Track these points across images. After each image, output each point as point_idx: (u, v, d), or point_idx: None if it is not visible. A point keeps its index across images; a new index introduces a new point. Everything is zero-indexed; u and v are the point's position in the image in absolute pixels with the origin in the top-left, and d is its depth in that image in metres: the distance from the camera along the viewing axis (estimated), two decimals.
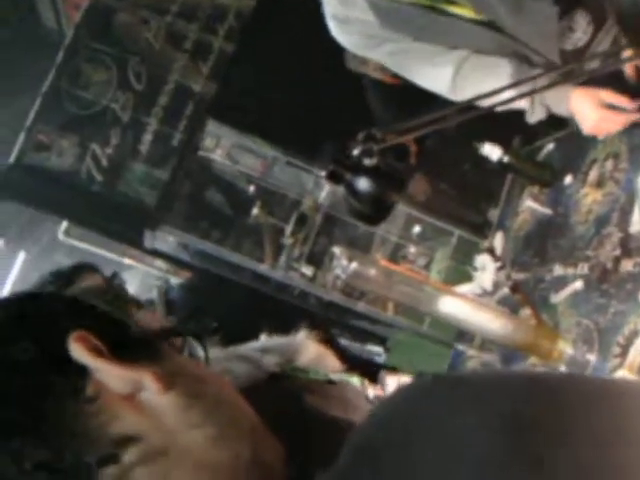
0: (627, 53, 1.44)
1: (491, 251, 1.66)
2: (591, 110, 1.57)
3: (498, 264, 1.62)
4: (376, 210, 1.23)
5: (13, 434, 0.51)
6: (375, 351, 4.03)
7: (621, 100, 1.55)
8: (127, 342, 0.57)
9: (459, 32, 1.65)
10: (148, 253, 3.94)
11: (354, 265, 1.30)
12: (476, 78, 1.66)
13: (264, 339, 1.43)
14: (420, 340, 2.40)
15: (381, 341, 3.94)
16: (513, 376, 0.52)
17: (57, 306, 0.60)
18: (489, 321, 1.46)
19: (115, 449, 0.52)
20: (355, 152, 1.13)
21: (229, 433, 0.56)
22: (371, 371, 1.36)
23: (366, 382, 1.24)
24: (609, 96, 1.55)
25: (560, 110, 1.65)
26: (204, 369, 0.64)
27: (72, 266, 1.82)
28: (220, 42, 3.73)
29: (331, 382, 1.18)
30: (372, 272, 1.38)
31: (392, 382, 1.31)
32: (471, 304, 1.51)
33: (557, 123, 2.07)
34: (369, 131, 1.12)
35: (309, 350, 1.34)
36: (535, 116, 1.68)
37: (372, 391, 1.29)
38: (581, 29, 1.61)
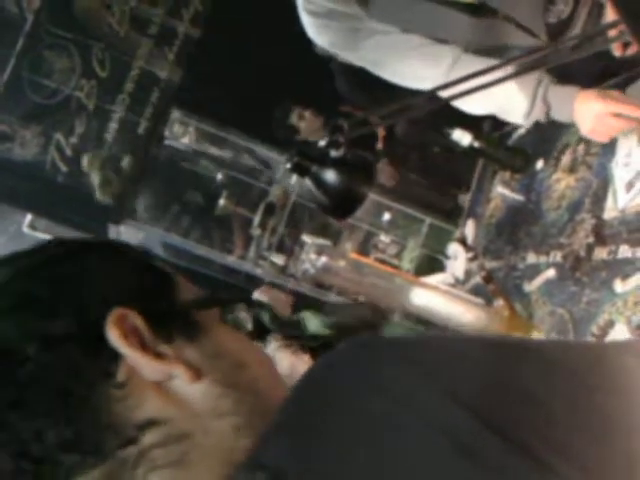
0: (612, 33, 1.40)
1: (463, 241, 1.62)
2: (592, 115, 1.48)
3: (470, 254, 1.58)
4: (344, 203, 1.19)
5: (38, 413, 0.50)
6: None
7: (626, 107, 1.45)
8: (168, 316, 0.56)
9: (450, 22, 1.60)
10: None
11: (323, 259, 1.25)
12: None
13: None
14: (392, 330, 2.37)
15: None
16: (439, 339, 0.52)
17: (104, 269, 0.58)
18: (461, 313, 1.42)
19: (137, 432, 0.51)
20: (321, 144, 1.08)
21: (256, 423, 0.54)
22: None
23: None
24: (614, 102, 1.46)
25: (562, 114, 1.56)
26: (246, 344, 0.62)
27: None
28: (185, 27, 3.65)
29: None
30: (341, 266, 1.33)
31: None
32: (442, 296, 1.47)
33: None
34: (335, 122, 1.07)
35: (282, 364, 1.30)
36: (533, 116, 1.58)
37: None
38: (562, 1, 1.57)
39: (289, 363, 1.30)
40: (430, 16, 1.63)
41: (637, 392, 0.48)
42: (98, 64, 3.56)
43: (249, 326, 1.56)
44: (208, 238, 2.97)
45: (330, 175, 1.12)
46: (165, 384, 0.54)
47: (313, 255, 1.26)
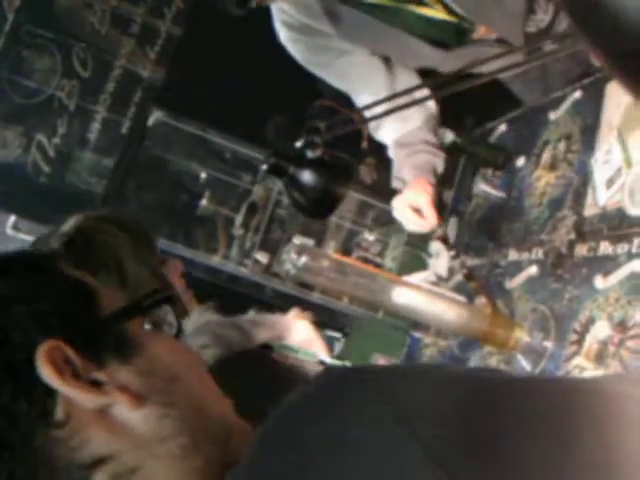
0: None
1: (444, 239, 1.63)
2: (399, 208, 1.67)
3: (452, 252, 1.59)
4: (321, 204, 1.19)
5: None
6: (334, 336, 4.00)
7: (427, 210, 1.63)
8: (95, 338, 0.54)
9: (421, 53, 1.61)
10: None
11: (303, 259, 1.25)
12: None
13: (252, 314, 1.39)
14: (377, 327, 2.37)
15: (340, 327, 3.92)
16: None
17: (21, 297, 0.54)
18: (443, 311, 1.42)
19: (86, 474, 0.49)
20: (298, 144, 1.08)
21: (201, 439, 0.54)
22: None
23: None
24: (419, 199, 1.64)
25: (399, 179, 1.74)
26: (176, 348, 0.60)
27: None
28: (167, 26, 3.63)
29: (323, 363, 1.14)
30: (323, 265, 1.33)
31: None
32: (425, 294, 1.47)
33: (508, 104, 2.04)
34: (312, 123, 1.06)
35: (300, 330, 1.31)
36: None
37: None
38: (542, 9, 1.57)
39: (307, 332, 1.31)
40: (401, 45, 1.63)
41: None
42: (80, 64, 3.54)
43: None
44: (192, 239, 2.96)
45: (307, 176, 1.12)
46: (106, 412, 0.51)
47: (294, 255, 1.25)
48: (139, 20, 3.63)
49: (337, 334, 3.96)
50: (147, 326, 0.57)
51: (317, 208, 1.20)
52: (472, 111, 1.91)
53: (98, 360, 0.52)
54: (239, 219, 2.20)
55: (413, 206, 1.64)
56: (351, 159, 1.13)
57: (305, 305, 2.45)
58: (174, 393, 0.54)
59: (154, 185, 3.32)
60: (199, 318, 1.36)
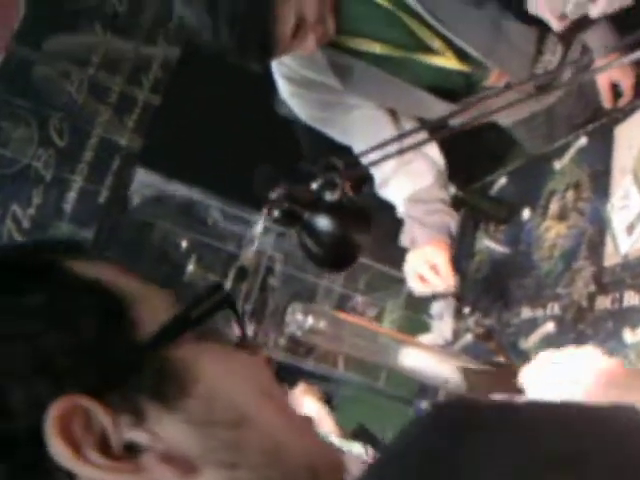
0: (598, 63, 1.34)
1: (459, 298, 1.52)
2: (414, 264, 1.59)
3: (467, 310, 1.48)
4: (341, 253, 1.07)
5: None
6: None
7: (445, 268, 1.56)
8: (131, 377, 0.37)
9: (430, 106, 1.55)
10: None
11: (310, 320, 1.13)
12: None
13: None
14: (372, 397, 2.22)
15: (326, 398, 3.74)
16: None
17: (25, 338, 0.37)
18: (455, 373, 1.30)
19: None
20: (314, 186, 0.97)
21: None
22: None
23: (370, 450, 1.07)
24: (437, 257, 1.57)
25: (407, 239, 1.67)
26: (238, 367, 0.43)
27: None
28: (145, 94, 3.58)
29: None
30: (330, 327, 1.21)
31: None
32: (435, 354, 1.35)
33: (506, 157, 1.97)
34: (329, 160, 0.96)
35: (308, 409, 1.18)
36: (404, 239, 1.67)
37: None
38: (549, 51, 1.51)
39: (314, 410, 1.17)
40: (409, 98, 1.57)
41: None
42: (56, 133, 3.46)
43: None
44: None
45: (324, 222, 1.00)
46: None
47: (300, 316, 1.13)
48: (117, 89, 3.58)
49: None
50: (196, 343, 0.42)
51: (336, 258, 1.08)
52: (472, 163, 1.83)
53: (134, 410, 0.37)
54: (227, 285, 2.07)
55: (430, 263, 1.54)
56: (369, 203, 1.02)
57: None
58: (241, 444, 0.38)
59: (135, 256, 3.21)
60: None
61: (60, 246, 0.45)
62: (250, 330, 2.55)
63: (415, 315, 1.91)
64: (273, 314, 2.52)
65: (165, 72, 3.63)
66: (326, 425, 1.18)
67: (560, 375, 0.90)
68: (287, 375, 2.09)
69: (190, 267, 2.43)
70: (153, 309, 0.42)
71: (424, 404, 1.74)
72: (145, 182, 3.11)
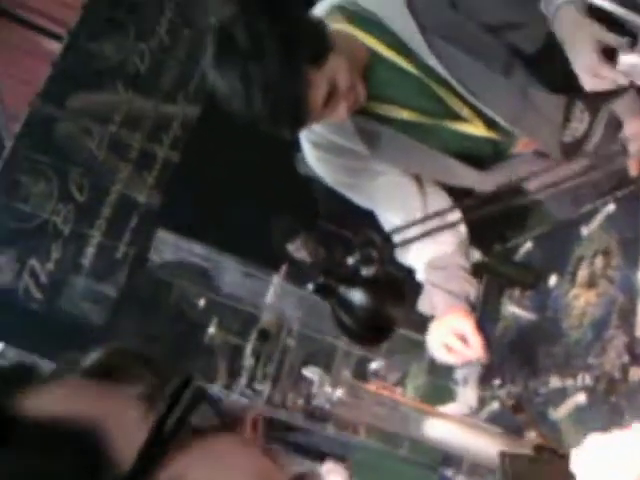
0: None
1: (489, 368, 1.50)
2: (439, 334, 1.58)
3: (497, 381, 1.45)
4: (375, 328, 1.06)
5: None
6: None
7: (474, 337, 1.56)
8: None
9: (458, 173, 1.56)
10: None
11: (339, 393, 1.10)
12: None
13: None
14: (394, 463, 2.17)
15: (340, 459, 3.67)
16: None
17: None
18: (485, 446, 1.27)
19: None
20: (350, 260, 0.96)
21: None
22: None
23: None
24: (464, 325, 1.56)
25: (428, 307, 1.66)
26: (232, 460, 0.41)
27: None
28: (165, 151, 3.62)
29: None
30: (351, 396, 1.19)
31: None
32: (459, 426, 1.32)
33: (531, 221, 1.96)
34: (367, 236, 0.95)
35: None
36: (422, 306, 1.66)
37: None
38: (577, 119, 1.51)
39: None
40: (436, 165, 1.58)
41: None
42: (76, 188, 3.50)
43: None
44: (191, 366, 2.79)
45: (358, 296, 0.99)
46: None
47: (328, 389, 1.11)
48: (137, 146, 3.62)
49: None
50: (180, 451, 0.39)
51: (370, 332, 1.07)
52: (495, 228, 1.82)
53: None
54: (249, 348, 2.05)
55: (457, 332, 1.52)
56: (403, 277, 1.02)
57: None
58: None
59: (153, 314, 3.20)
60: None
61: (5, 380, 0.43)
62: (267, 390, 2.51)
63: (438, 380, 1.88)
64: (289, 375, 2.48)
65: (184, 130, 3.67)
66: None
67: (612, 461, 0.87)
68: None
69: (211, 329, 2.41)
70: (125, 429, 0.39)
71: (449, 472, 1.70)
72: (165, 242, 3.11)
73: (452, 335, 1.52)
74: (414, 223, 1.22)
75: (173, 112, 3.71)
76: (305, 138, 1.58)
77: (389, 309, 1.04)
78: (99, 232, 3.49)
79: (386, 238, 0.99)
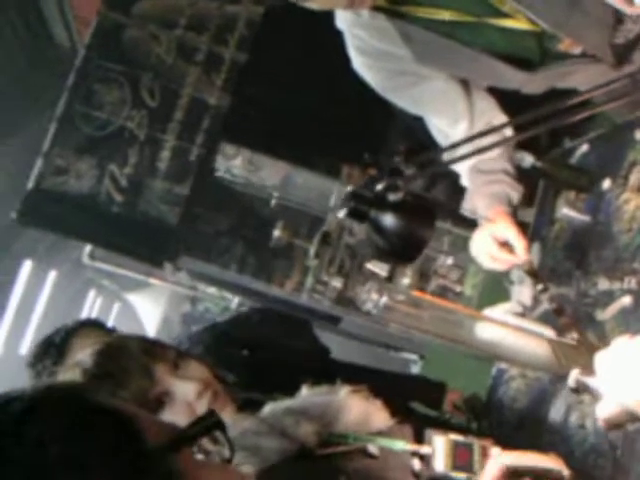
0: None
1: (534, 274, 1.54)
2: (483, 243, 1.59)
3: (540, 286, 1.51)
4: (406, 248, 1.13)
5: None
6: (411, 359, 3.93)
7: (519, 244, 1.55)
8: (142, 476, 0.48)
9: (502, 74, 1.56)
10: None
11: (384, 300, 1.20)
12: None
13: (305, 393, 1.33)
14: (454, 356, 2.29)
15: (416, 349, 3.84)
16: None
17: None
18: (532, 350, 1.35)
19: None
20: (379, 187, 1.03)
21: None
22: (416, 425, 1.26)
23: (409, 446, 1.14)
24: (506, 232, 1.56)
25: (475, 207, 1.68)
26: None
27: (65, 333, 1.73)
28: (232, 52, 3.65)
29: (372, 456, 1.09)
30: (400, 302, 1.28)
31: (439, 442, 1.20)
32: (509, 330, 1.40)
33: (588, 123, 1.95)
34: (393, 165, 1.02)
35: (352, 410, 1.25)
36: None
37: (420, 449, 1.19)
38: (630, 19, 1.48)
39: (361, 410, 1.24)
40: (482, 67, 1.58)
41: None
42: (148, 94, 3.59)
43: None
44: (264, 270, 2.93)
45: (389, 220, 1.07)
46: None
47: (375, 295, 1.20)
48: (204, 48, 3.66)
49: (414, 356, 3.89)
50: (199, 456, 0.53)
51: (402, 253, 1.15)
52: (550, 130, 1.83)
53: None
54: (312, 249, 2.15)
55: (500, 240, 1.56)
56: (433, 200, 1.08)
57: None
58: None
59: (225, 214, 3.32)
60: (232, 429, 1.24)
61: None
62: (338, 283, 2.63)
63: (496, 279, 1.95)
64: (357, 271, 2.58)
65: (250, 29, 3.68)
66: (377, 420, 1.25)
67: (633, 370, 0.94)
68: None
69: (276, 232, 2.51)
70: (160, 429, 0.54)
71: (503, 365, 1.80)
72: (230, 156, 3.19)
73: (495, 244, 1.57)
74: (465, 140, 1.26)
75: (237, 11, 3.71)
76: (351, 44, 1.61)
77: (418, 230, 1.11)
78: (173, 135, 3.59)
79: (417, 150, 1.04)
